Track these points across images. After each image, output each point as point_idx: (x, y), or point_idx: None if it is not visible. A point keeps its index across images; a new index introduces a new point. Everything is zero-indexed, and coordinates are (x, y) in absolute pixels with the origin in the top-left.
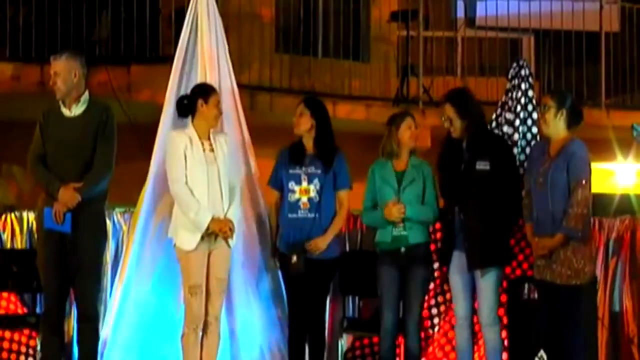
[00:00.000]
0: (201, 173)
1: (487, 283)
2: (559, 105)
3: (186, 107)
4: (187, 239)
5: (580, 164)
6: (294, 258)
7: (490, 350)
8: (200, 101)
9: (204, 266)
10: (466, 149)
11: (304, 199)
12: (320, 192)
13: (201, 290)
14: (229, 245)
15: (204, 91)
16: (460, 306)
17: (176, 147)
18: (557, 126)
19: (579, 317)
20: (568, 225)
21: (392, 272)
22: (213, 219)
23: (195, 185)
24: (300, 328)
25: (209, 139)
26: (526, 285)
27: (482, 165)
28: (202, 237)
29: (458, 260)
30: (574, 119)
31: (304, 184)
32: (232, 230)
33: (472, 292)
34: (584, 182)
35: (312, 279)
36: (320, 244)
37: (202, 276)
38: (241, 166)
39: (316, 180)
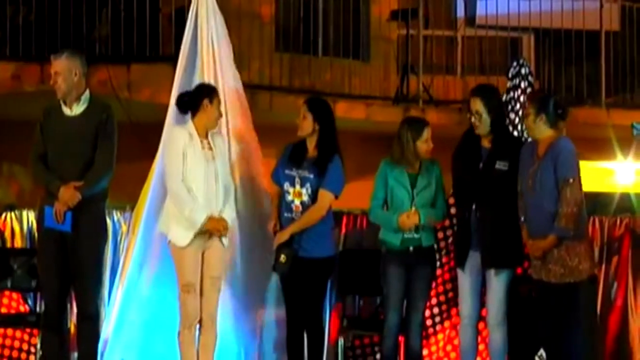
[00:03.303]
0: (199, 170)
1: (499, 283)
2: (537, 112)
3: (187, 104)
4: (181, 235)
5: (567, 162)
6: (282, 257)
7: (495, 350)
8: (205, 100)
9: (198, 264)
10: (488, 147)
11: (297, 201)
12: (312, 197)
13: (195, 289)
14: (223, 245)
15: (210, 91)
16: (466, 306)
17: (176, 143)
18: (538, 129)
19: (576, 315)
20: (559, 225)
21: (399, 271)
22: (208, 218)
23: (192, 183)
24: (297, 328)
25: (206, 137)
26: (526, 285)
27: (501, 166)
28: (195, 235)
29: (471, 259)
30: (558, 118)
31: (297, 187)
32: (226, 229)
33: (479, 293)
34: (571, 180)
35: (306, 278)
36: (280, 237)
37: (196, 274)
38: (246, 166)
39: (308, 185)
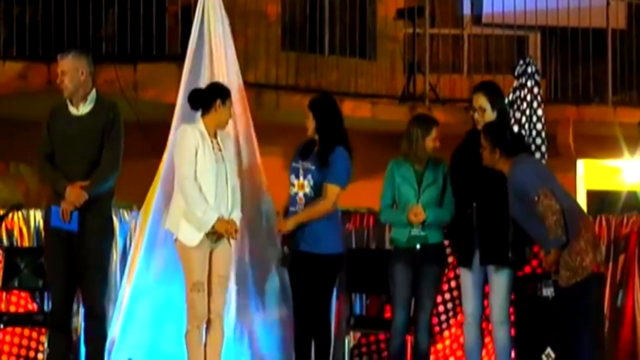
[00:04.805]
0: (210, 171)
1: (500, 281)
2: (492, 147)
3: (199, 101)
4: (191, 235)
5: (522, 187)
6: (285, 249)
7: (500, 348)
8: (218, 101)
9: (206, 263)
10: None
11: (300, 193)
12: (314, 189)
13: (204, 288)
14: (229, 244)
15: (223, 92)
16: (469, 304)
17: (188, 141)
18: (496, 161)
19: (585, 313)
20: (551, 239)
21: (406, 271)
22: (219, 220)
23: (203, 183)
24: (305, 325)
25: (216, 137)
26: (532, 283)
27: None
28: (204, 235)
29: (474, 257)
30: (512, 149)
31: (301, 178)
32: (236, 231)
33: (483, 291)
34: (536, 198)
35: (312, 274)
36: (285, 225)
37: (205, 273)
38: (247, 164)
39: (310, 176)
